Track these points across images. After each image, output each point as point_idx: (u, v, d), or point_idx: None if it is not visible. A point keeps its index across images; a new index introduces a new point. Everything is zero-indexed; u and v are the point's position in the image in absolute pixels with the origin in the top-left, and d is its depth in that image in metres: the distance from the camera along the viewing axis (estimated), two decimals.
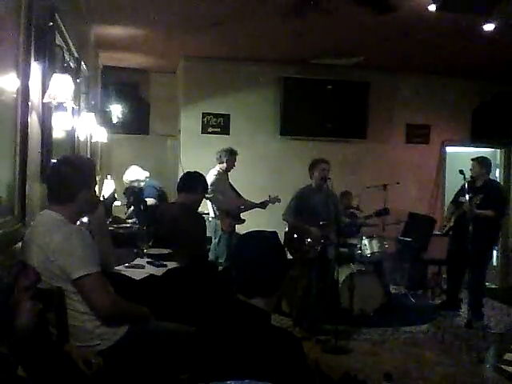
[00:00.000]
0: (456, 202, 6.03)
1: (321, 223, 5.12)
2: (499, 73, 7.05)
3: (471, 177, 5.84)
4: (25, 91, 2.76)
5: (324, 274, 5.24)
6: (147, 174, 6.45)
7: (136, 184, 6.28)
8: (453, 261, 6.13)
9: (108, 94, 7.51)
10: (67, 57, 3.94)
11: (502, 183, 7.94)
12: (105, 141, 6.66)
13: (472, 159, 5.96)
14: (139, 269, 3.32)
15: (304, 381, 1.67)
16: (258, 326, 1.71)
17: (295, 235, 5.18)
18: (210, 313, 1.85)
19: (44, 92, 3.11)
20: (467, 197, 5.57)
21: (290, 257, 4.98)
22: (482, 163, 5.83)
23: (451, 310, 6.05)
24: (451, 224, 5.97)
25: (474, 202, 5.51)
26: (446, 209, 6.74)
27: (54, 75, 3.06)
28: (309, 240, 5.09)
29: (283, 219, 5.31)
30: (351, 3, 4.59)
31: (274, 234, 1.89)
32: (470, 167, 5.88)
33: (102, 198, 6.05)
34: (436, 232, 6.77)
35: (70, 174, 2.41)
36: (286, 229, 5.31)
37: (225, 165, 5.89)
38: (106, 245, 2.84)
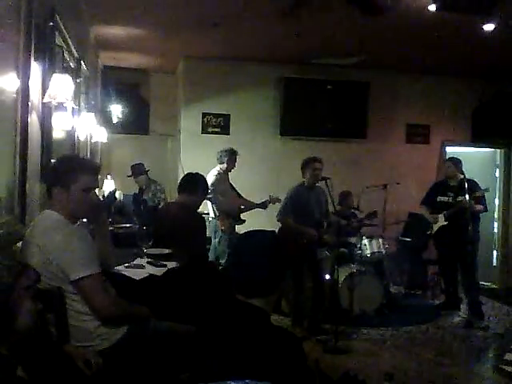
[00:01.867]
0: (431, 202, 6.05)
1: (319, 223, 5.13)
2: (499, 73, 7.05)
3: (447, 177, 5.97)
4: (25, 91, 2.76)
5: (315, 273, 5.24)
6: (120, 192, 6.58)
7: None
8: (445, 261, 6.13)
9: (108, 93, 7.51)
10: (67, 57, 3.95)
11: (502, 183, 7.98)
12: (105, 141, 6.66)
13: (447, 160, 6.12)
14: (139, 269, 3.32)
15: (304, 381, 1.67)
16: (258, 326, 1.71)
17: (290, 236, 5.16)
18: (209, 313, 1.85)
19: (44, 92, 3.11)
20: (450, 195, 5.80)
21: None
22: (456, 163, 5.90)
23: (451, 310, 6.04)
24: (443, 223, 5.93)
25: (472, 197, 5.57)
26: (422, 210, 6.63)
27: (54, 75, 3.07)
28: (305, 241, 5.08)
29: (278, 220, 5.28)
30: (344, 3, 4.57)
31: (273, 233, 1.89)
32: (447, 167, 5.99)
33: (101, 198, 6.06)
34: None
35: (63, 172, 2.40)
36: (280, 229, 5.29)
37: (225, 165, 5.89)
38: (106, 245, 2.84)
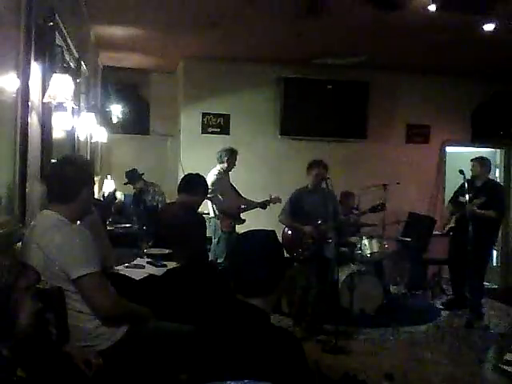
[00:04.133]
0: (455, 201, 6.02)
1: (319, 222, 5.13)
2: (499, 73, 7.05)
3: (472, 176, 5.83)
4: (25, 91, 2.76)
5: (322, 273, 5.23)
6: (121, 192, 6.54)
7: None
8: (455, 261, 6.13)
9: (108, 94, 7.51)
10: (67, 57, 3.94)
11: (502, 183, 7.96)
12: (105, 141, 6.66)
13: (472, 160, 5.94)
14: (139, 269, 3.33)
15: (304, 381, 1.66)
16: (258, 326, 1.71)
17: (291, 235, 5.18)
18: (209, 313, 1.85)
19: (44, 92, 3.11)
20: (467, 196, 5.54)
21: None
22: (482, 163, 5.84)
23: (457, 309, 6.01)
24: (452, 224, 5.96)
25: (476, 203, 5.52)
26: (445, 208, 6.72)
27: (54, 75, 3.06)
28: (302, 239, 5.08)
29: (279, 221, 5.30)
30: (355, 2, 4.57)
31: (272, 233, 1.89)
32: (471, 167, 5.87)
33: (102, 198, 6.06)
34: (436, 232, 6.77)
35: (70, 174, 2.40)
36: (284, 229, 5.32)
37: (225, 164, 5.89)
38: (105, 246, 2.84)
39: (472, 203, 5.52)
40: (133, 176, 6.65)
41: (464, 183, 5.64)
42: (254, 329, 1.69)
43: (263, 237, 1.85)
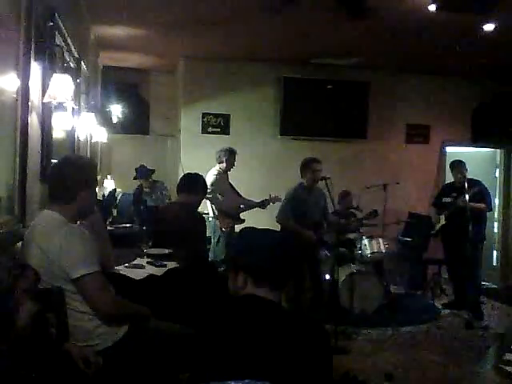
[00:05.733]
0: (439, 203, 6.16)
1: (317, 224, 5.13)
2: (499, 73, 7.05)
3: (456, 181, 5.99)
4: (25, 91, 2.76)
5: (315, 274, 5.23)
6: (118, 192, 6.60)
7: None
8: (452, 260, 6.16)
9: (108, 93, 7.51)
10: (67, 57, 3.95)
11: (502, 183, 7.98)
12: (105, 141, 6.66)
13: (451, 167, 6.08)
14: (139, 269, 3.32)
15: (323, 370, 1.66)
16: (273, 317, 1.71)
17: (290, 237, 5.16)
18: (209, 312, 1.85)
19: (44, 92, 3.11)
20: (453, 196, 5.82)
21: None
22: (461, 166, 5.94)
23: (457, 309, 6.02)
24: (443, 222, 6.05)
25: (468, 194, 5.63)
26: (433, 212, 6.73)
27: (54, 75, 3.07)
28: (301, 242, 5.06)
29: (277, 221, 5.25)
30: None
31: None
32: (453, 174, 6.02)
33: (101, 198, 6.06)
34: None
35: (71, 174, 2.40)
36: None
37: (224, 164, 5.90)
38: (105, 246, 2.84)
39: (461, 199, 5.65)
40: (146, 172, 6.67)
41: (445, 185, 6.09)
42: (276, 321, 1.69)
43: (280, 234, 1.92)
